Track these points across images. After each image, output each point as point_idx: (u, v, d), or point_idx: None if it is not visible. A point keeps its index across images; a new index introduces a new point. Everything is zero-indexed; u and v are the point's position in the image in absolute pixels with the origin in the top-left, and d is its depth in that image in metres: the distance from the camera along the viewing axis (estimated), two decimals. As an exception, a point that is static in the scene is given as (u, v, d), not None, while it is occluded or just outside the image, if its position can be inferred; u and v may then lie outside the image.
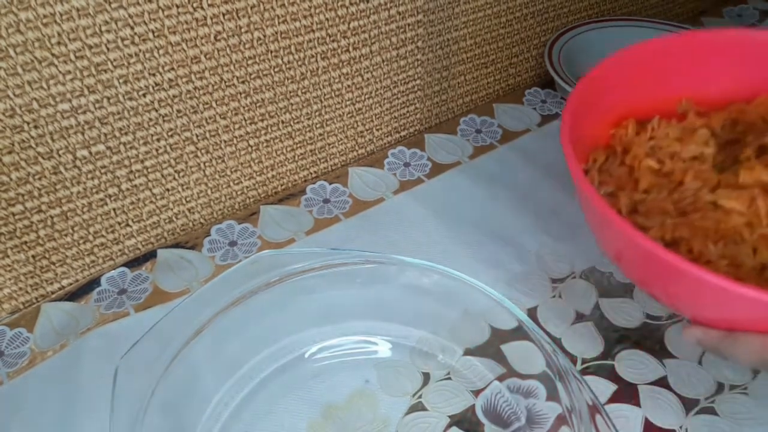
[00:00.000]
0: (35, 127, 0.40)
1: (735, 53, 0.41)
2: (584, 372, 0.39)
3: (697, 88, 0.42)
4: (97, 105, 0.41)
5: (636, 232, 0.30)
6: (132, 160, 0.45)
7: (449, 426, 0.36)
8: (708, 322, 0.32)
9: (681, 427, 0.36)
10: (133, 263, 0.47)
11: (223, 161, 0.49)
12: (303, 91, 0.50)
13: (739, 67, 0.41)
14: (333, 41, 0.49)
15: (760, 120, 0.40)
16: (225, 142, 0.48)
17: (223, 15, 0.43)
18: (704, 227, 0.34)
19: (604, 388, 0.38)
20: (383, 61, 0.53)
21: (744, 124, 0.40)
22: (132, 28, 0.40)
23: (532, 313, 0.42)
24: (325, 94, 0.51)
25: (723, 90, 0.42)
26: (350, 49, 0.50)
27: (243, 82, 0.46)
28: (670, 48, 0.42)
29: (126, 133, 0.43)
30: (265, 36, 0.45)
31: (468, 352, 0.40)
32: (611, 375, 0.39)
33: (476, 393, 0.38)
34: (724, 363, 0.39)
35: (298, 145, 0.53)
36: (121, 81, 0.41)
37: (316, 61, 0.49)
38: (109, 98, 0.41)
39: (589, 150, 0.41)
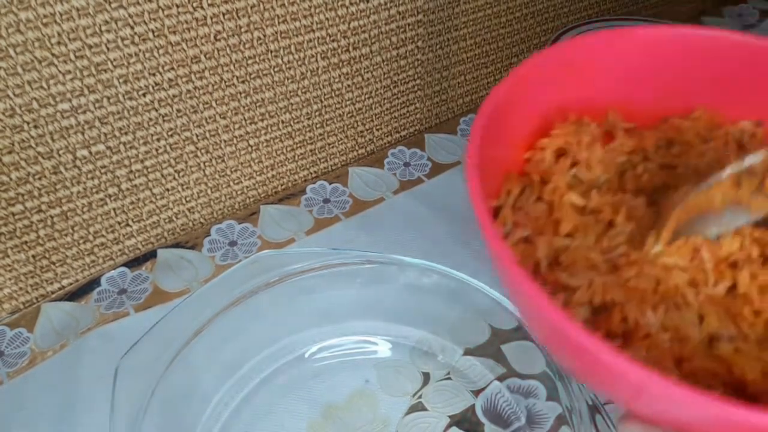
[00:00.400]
0: (35, 126, 0.40)
1: (667, 54, 0.33)
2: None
3: (629, 96, 0.34)
4: (97, 105, 0.41)
5: (555, 311, 0.22)
6: (132, 160, 0.45)
7: (449, 426, 0.36)
8: (650, 417, 0.25)
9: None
10: (133, 263, 0.47)
11: (223, 161, 0.49)
12: (303, 90, 0.50)
13: (671, 71, 0.33)
14: (333, 41, 0.49)
15: (696, 139, 0.34)
16: (225, 141, 0.48)
17: (223, 15, 0.43)
18: (640, 289, 0.28)
19: (604, 388, 0.38)
20: (383, 61, 0.53)
21: (681, 144, 0.34)
22: (132, 28, 0.40)
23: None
24: (325, 94, 0.51)
25: (657, 98, 0.34)
26: (350, 49, 0.50)
27: (243, 82, 0.46)
28: (600, 48, 0.34)
29: (126, 133, 0.43)
30: (265, 36, 0.45)
31: (468, 351, 0.40)
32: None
33: (476, 393, 0.38)
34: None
35: (298, 145, 0.53)
36: (121, 81, 0.41)
37: (316, 60, 0.49)
38: (109, 98, 0.41)
39: (505, 178, 0.33)
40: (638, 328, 0.27)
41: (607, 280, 0.28)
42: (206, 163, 0.48)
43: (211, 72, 0.44)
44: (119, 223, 0.47)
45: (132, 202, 0.46)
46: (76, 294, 0.45)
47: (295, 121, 0.51)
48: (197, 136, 0.47)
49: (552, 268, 0.29)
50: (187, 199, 0.49)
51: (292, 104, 0.50)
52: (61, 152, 0.41)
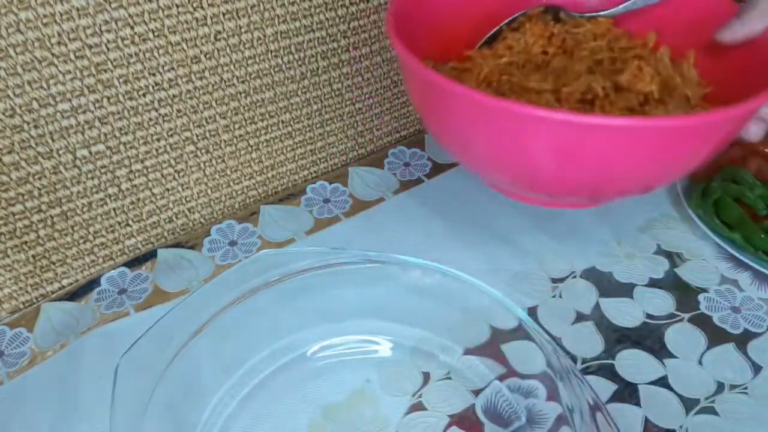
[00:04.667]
0: (35, 126, 0.40)
1: None
2: (584, 372, 0.39)
3: None
4: (97, 105, 0.41)
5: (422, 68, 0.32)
6: (132, 160, 0.45)
7: (449, 425, 0.36)
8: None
9: (681, 427, 0.36)
10: (133, 263, 0.47)
11: (223, 161, 0.49)
12: (303, 91, 0.50)
13: None
14: (333, 41, 0.49)
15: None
16: (225, 141, 0.48)
17: (223, 15, 0.43)
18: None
19: (605, 388, 0.38)
20: (383, 61, 0.53)
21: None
22: (132, 28, 0.40)
23: (532, 312, 0.42)
24: (325, 94, 0.51)
25: None
26: (350, 49, 0.50)
27: (243, 82, 0.46)
28: None
29: (126, 133, 0.43)
30: (265, 36, 0.45)
31: (468, 351, 0.39)
32: (611, 375, 0.39)
33: (476, 392, 0.38)
34: (725, 363, 0.39)
35: (298, 145, 0.53)
36: (121, 80, 0.41)
37: (316, 61, 0.49)
38: (109, 98, 0.41)
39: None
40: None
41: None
42: (206, 163, 0.48)
43: (211, 72, 0.44)
44: (119, 223, 0.47)
45: (132, 202, 0.46)
46: (76, 294, 0.45)
47: (295, 121, 0.51)
48: (197, 136, 0.47)
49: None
50: (187, 199, 0.49)
51: (292, 104, 0.50)
52: (61, 152, 0.41)
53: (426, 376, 0.39)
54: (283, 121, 0.50)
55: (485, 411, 0.37)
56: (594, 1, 0.44)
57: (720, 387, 0.38)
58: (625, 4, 0.42)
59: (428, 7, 0.41)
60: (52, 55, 0.38)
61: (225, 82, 0.45)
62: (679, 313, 0.42)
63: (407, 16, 0.38)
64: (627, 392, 0.38)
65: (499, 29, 0.43)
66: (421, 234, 0.48)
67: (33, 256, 0.44)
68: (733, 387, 0.38)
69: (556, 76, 0.39)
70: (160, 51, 0.42)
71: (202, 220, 0.51)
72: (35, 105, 0.39)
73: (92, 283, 0.45)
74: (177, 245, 0.48)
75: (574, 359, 0.40)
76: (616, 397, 0.38)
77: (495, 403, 0.37)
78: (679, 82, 0.39)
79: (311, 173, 0.55)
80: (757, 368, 0.39)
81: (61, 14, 0.37)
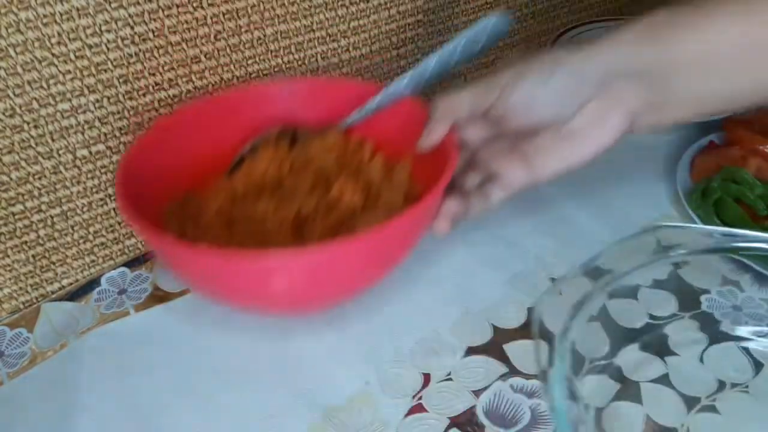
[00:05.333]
0: (35, 126, 0.39)
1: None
2: (588, 371, 0.39)
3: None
4: (97, 104, 0.41)
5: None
6: (132, 160, 0.44)
7: (449, 427, 0.36)
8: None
9: (682, 425, 0.36)
10: (133, 263, 0.47)
11: (224, 161, 0.49)
12: (303, 90, 0.50)
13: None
14: (333, 41, 0.49)
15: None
16: (225, 142, 0.48)
17: (223, 15, 0.43)
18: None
19: (608, 387, 0.38)
20: (383, 61, 0.53)
21: None
22: (132, 28, 0.40)
23: (532, 312, 0.42)
24: (325, 94, 0.51)
25: None
26: (350, 49, 0.50)
27: (243, 82, 0.46)
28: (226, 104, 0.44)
29: (126, 133, 0.43)
30: (265, 36, 0.45)
31: (470, 351, 0.39)
32: (614, 374, 0.39)
33: (477, 393, 0.38)
34: (726, 361, 0.39)
35: (299, 145, 0.53)
36: (121, 80, 0.41)
37: (316, 61, 0.49)
38: (109, 98, 0.41)
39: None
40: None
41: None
42: (206, 163, 0.48)
43: (211, 72, 0.44)
44: (119, 223, 0.46)
45: (132, 203, 0.46)
46: (76, 294, 0.45)
47: (296, 121, 0.51)
48: (197, 136, 0.46)
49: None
50: (188, 199, 0.49)
51: (292, 104, 0.50)
52: (61, 152, 0.41)
53: (426, 377, 0.39)
54: (283, 121, 0.50)
55: (487, 412, 0.36)
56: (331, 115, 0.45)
57: (721, 385, 0.38)
58: (349, 116, 0.44)
59: (162, 158, 0.41)
60: (52, 55, 0.38)
61: (225, 82, 0.45)
62: (681, 313, 0.42)
63: (140, 174, 0.39)
64: (629, 391, 0.38)
65: (241, 157, 0.45)
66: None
67: (33, 256, 0.44)
68: (734, 385, 0.38)
69: (281, 198, 0.42)
70: (160, 51, 0.41)
71: (202, 220, 0.51)
72: (35, 105, 0.39)
73: (92, 283, 0.45)
74: (177, 245, 0.48)
75: (581, 359, 0.39)
76: (618, 396, 0.38)
77: (497, 403, 0.37)
78: (385, 188, 0.43)
79: (311, 173, 0.55)
80: (758, 366, 0.39)
81: (61, 14, 0.37)
